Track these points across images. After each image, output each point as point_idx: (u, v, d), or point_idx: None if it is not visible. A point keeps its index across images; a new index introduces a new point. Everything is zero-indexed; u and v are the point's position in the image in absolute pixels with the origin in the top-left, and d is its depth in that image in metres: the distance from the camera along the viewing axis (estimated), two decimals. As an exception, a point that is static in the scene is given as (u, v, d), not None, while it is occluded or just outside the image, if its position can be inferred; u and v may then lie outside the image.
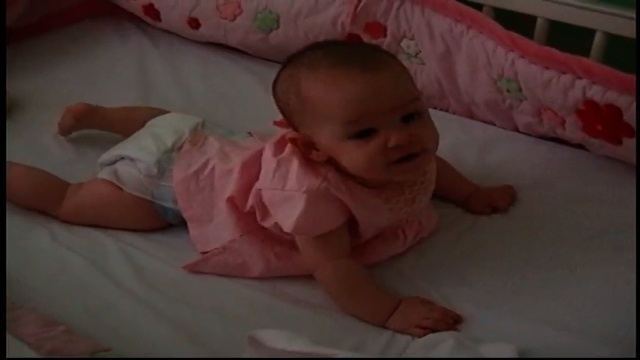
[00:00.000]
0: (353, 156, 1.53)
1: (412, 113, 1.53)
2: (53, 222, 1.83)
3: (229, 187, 1.69)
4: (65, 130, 2.08)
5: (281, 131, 1.66)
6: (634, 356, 1.44)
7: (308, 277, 1.65)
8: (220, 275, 1.69)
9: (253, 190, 1.65)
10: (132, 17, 2.62)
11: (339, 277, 1.61)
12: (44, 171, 1.88)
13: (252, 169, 1.68)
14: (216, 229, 1.71)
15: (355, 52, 1.57)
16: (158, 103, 2.21)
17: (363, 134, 1.51)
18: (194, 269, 1.70)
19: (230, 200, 1.69)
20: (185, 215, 1.75)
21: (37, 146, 2.08)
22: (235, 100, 2.26)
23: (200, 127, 1.88)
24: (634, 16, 1.86)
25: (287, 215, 1.57)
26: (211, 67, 2.43)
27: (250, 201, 1.66)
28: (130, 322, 1.57)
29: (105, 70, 2.44)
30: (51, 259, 1.72)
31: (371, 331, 1.57)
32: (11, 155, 1.92)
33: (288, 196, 1.57)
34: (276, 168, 1.59)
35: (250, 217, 1.68)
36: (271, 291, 1.66)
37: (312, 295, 1.64)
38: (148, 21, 2.55)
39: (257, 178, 1.65)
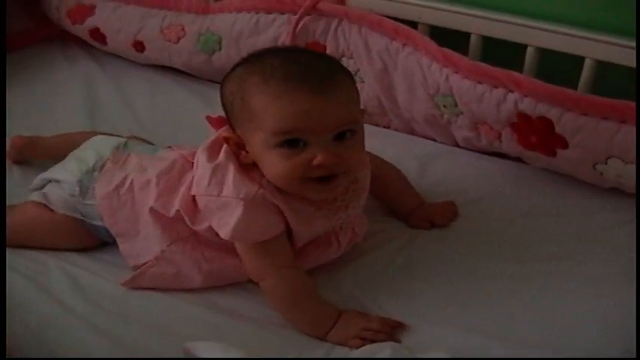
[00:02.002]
0: (275, 166, 1.54)
1: (345, 132, 1.53)
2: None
3: (150, 198, 1.70)
4: (14, 161, 2.10)
5: (212, 136, 1.67)
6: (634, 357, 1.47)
7: (247, 291, 1.67)
8: (160, 291, 1.69)
9: (180, 195, 1.66)
10: (80, 41, 2.63)
11: (283, 287, 1.62)
12: None
13: (169, 176, 1.70)
14: (145, 242, 1.71)
15: (311, 69, 1.54)
16: (105, 125, 2.23)
17: (291, 144, 1.51)
18: (133, 285, 1.70)
19: (152, 211, 1.69)
20: (112, 231, 1.75)
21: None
22: (180, 121, 2.27)
23: (122, 147, 1.88)
24: (564, 30, 1.88)
25: (224, 222, 1.58)
26: (157, 89, 2.44)
27: (176, 206, 1.66)
28: (69, 338, 1.57)
29: (53, 93, 2.45)
30: (-9, 279, 1.72)
31: (309, 344, 1.58)
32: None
33: (224, 202, 1.57)
34: (212, 174, 1.59)
35: (177, 224, 1.68)
36: (211, 306, 1.66)
37: (252, 309, 1.65)
38: (95, 45, 2.57)
39: (177, 185, 1.68)
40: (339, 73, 1.58)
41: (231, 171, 1.58)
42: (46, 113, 2.33)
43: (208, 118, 1.73)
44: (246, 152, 1.59)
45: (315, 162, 1.51)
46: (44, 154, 2.05)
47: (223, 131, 1.64)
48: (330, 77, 1.53)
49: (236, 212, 1.56)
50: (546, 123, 1.75)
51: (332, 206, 1.64)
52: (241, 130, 1.59)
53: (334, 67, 1.60)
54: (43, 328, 1.60)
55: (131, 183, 1.74)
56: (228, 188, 1.57)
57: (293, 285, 1.62)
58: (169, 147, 1.88)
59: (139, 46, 2.43)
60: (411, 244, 1.80)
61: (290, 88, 1.50)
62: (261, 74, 1.54)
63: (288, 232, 1.63)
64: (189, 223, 1.65)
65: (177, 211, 1.66)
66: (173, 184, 1.69)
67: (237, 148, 1.60)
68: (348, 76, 1.61)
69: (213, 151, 1.64)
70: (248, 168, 1.59)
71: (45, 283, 1.71)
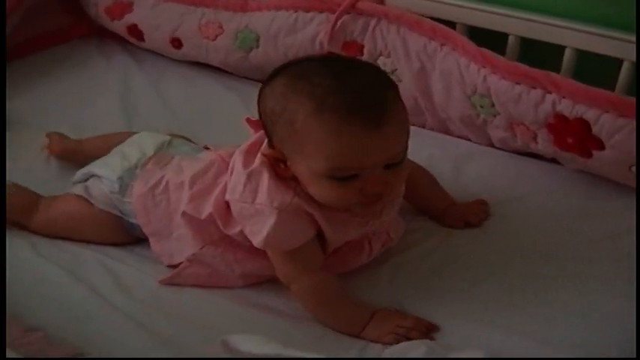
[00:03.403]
0: (323, 192, 1.52)
1: (396, 162, 1.52)
2: (35, 234, 1.85)
3: (183, 199, 1.70)
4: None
5: (249, 140, 1.66)
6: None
7: (283, 288, 1.67)
8: (197, 286, 1.71)
9: (213, 199, 1.65)
10: (117, 38, 2.66)
11: (314, 290, 1.62)
12: (14, 183, 1.90)
13: (203, 179, 1.69)
14: (178, 243, 1.73)
15: (366, 98, 1.45)
16: (141, 121, 2.26)
17: (342, 177, 1.48)
18: (170, 282, 1.71)
19: (185, 214, 1.70)
20: (145, 231, 1.77)
21: (21, 164, 2.10)
22: (217, 118, 2.29)
23: (167, 146, 1.89)
24: (602, 32, 1.89)
25: (257, 230, 1.57)
26: (194, 85, 2.46)
27: (209, 209, 1.66)
28: (107, 330, 1.59)
29: (90, 89, 2.47)
30: (31, 270, 1.74)
31: (344, 340, 1.59)
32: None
33: (258, 210, 1.56)
34: (247, 181, 1.58)
35: (209, 227, 1.68)
36: (247, 301, 1.67)
37: (287, 305, 1.66)
38: (132, 41, 2.59)
39: (210, 188, 1.67)
40: (391, 95, 1.50)
41: (265, 178, 1.56)
42: (83, 110, 2.36)
43: (248, 120, 1.69)
44: (286, 166, 1.55)
45: (367, 191, 1.50)
46: (85, 160, 1.99)
47: (263, 149, 1.60)
48: (385, 107, 1.46)
49: (269, 221, 1.55)
50: (583, 124, 1.75)
51: (366, 213, 1.63)
52: (284, 149, 1.53)
53: (384, 86, 1.52)
54: (84, 320, 1.61)
55: (167, 184, 1.75)
56: (262, 196, 1.56)
57: (322, 289, 1.63)
58: (207, 148, 1.89)
59: (177, 43, 2.45)
60: (446, 244, 1.81)
61: (345, 122, 1.43)
62: (312, 100, 1.45)
63: (321, 237, 1.63)
64: (221, 226, 1.66)
65: (210, 214, 1.66)
66: (207, 187, 1.68)
67: (276, 161, 1.56)
68: (396, 94, 1.53)
69: (249, 155, 1.62)
70: (281, 174, 1.58)
71: (84, 275, 1.73)
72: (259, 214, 1.57)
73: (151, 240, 1.77)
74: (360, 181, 1.49)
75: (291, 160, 1.53)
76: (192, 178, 1.70)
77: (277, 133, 1.53)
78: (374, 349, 1.57)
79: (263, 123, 1.58)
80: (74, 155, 2.09)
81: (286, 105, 1.49)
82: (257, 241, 1.58)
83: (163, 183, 1.75)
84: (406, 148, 1.54)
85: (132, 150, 1.88)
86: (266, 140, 1.60)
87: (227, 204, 1.64)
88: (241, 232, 1.63)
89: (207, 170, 1.71)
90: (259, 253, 1.64)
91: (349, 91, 1.45)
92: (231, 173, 1.64)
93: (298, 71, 1.52)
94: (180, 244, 1.73)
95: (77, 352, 1.42)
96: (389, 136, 1.46)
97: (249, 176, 1.58)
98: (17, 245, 1.81)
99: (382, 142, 1.46)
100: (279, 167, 1.56)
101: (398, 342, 1.54)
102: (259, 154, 1.59)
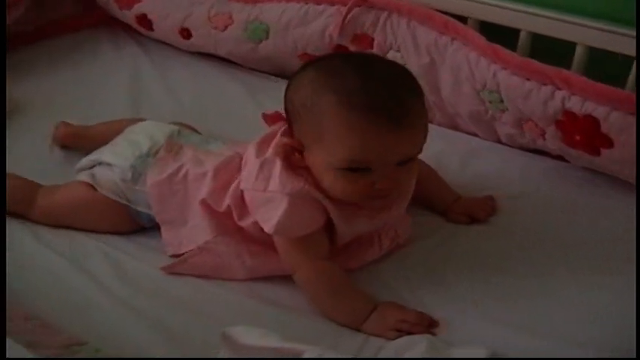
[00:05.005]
0: (335, 184, 1.56)
1: (409, 160, 1.57)
2: (36, 224, 1.84)
3: (203, 190, 1.71)
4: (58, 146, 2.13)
5: (266, 132, 1.68)
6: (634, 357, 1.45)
7: (285, 280, 1.67)
8: (199, 277, 1.70)
9: (231, 190, 1.67)
10: (127, 28, 2.66)
11: (318, 278, 1.62)
12: (12, 173, 1.89)
13: (225, 171, 1.71)
14: (191, 231, 1.73)
15: (390, 101, 1.51)
16: (149, 110, 2.25)
17: (355, 170, 1.53)
18: (171, 270, 1.71)
19: (203, 203, 1.71)
20: (158, 219, 1.77)
21: (25, 152, 2.10)
22: (224, 109, 2.28)
23: (176, 135, 1.89)
24: (614, 29, 1.89)
25: (268, 216, 1.59)
26: (201, 76, 2.46)
27: (227, 201, 1.68)
28: (108, 319, 1.58)
29: (99, 78, 2.47)
30: (32, 258, 1.73)
31: (344, 334, 1.58)
32: None
33: (270, 197, 1.59)
34: (259, 169, 1.61)
35: (225, 218, 1.70)
36: (249, 293, 1.67)
37: (289, 297, 1.65)
38: (141, 31, 2.59)
39: (231, 181, 1.68)
40: (415, 102, 1.57)
41: (277, 166, 1.59)
42: (91, 99, 2.36)
43: (264, 116, 1.73)
44: (300, 155, 1.60)
45: (378, 186, 1.54)
46: (90, 145, 2.00)
47: (283, 137, 1.63)
48: (407, 112, 1.52)
49: (281, 207, 1.57)
50: (592, 121, 1.74)
51: (374, 207, 1.64)
52: (303, 139, 1.59)
53: (411, 91, 1.58)
54: (84, 309, 1.61)
55: (186, 173, 1.75)
56: (275, 183, 1.59)
57: (327, 277, 1.63)
58: (222, 143, 1.88)
59: (186, 33, 2.44)
60: (451, 238, 1.80)
61: (366, 121, 1.49)
62: (338, 95, 1.51)
63: (331, 229, 1.64)
64: (236, 218, 1.68)
65: (228, 205, 1.68)
66: (228, 180, 1.70)
67: (292, 151, 1.60)
68: (421, 99, 1.60)
69: (263, 146, 1.65)
70: (295, 163, 1.61)
71: (85, 264, 1.73)
72: (271, 201, 1.59)
73: (162, 228, 1.77)
74: (373, 175, 1.54)
75: (309, 151, 1.58)
76: (215, 170, 1.72)
77: (299, 122, 1.59)
78: (375, 343, 1.55)
79: (287, 112, 1.63)
80: (79, 140, 2.08)
81: (313, 98, 1.55)
82: (268, 226, 1.59)
83: (182, 172, 1.76)
84: (421, 150, 1.59)
85: (142, 138, 1.88)
86: (281, 131, 1.64)
87: (242, 194, 1.66)
88: (255, 223, 1.65)
89: (229, 163, 1.73)
90: (271, 246, 1.66)
91: (374, 91, 1.51)
92: (245, 165, 1.67)
93: (331, 67, 1.58)
94: (192, 233, 1.73)
95: (74, 340, 1.40)
96: (408, 136, 1.53)
97: (262, 165, 1.61)
98: (18, 234, 1.80)
99: (401, 141, 1.52)
100: (293, 156, 1.60)
101: (399, 337, 1.53)
102: (273, 144, 1.62)
